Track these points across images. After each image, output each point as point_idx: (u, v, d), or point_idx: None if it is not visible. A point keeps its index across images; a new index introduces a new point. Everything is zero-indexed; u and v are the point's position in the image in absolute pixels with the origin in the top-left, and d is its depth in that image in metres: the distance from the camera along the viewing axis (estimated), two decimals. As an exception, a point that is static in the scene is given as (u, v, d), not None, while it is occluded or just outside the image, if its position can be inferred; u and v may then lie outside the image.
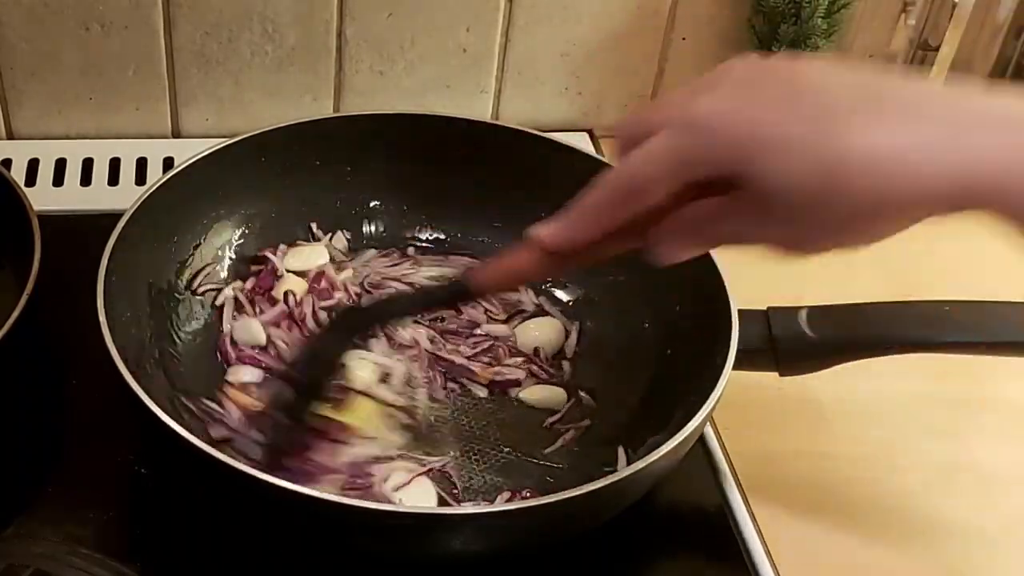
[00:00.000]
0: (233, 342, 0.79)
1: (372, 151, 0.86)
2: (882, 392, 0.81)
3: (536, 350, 0.80)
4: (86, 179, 0.96)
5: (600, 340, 0.82)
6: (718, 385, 0.66)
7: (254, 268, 0.83)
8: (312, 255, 0.84)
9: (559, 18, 0.99)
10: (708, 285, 0.72)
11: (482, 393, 0.77)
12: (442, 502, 0.70)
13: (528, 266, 0.56)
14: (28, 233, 0.73)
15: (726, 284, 0.71)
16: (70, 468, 0.72)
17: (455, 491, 0.71)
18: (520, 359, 0.79)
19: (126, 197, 0.77)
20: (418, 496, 0.69)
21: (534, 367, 0.79)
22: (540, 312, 0.83)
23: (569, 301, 0.84)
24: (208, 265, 0.82)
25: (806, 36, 0.95)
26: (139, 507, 0.70)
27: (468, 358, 0.79)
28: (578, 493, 0.60)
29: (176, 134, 1.01)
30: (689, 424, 0.63)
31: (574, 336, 0.82)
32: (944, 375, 0.81)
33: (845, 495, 0.75)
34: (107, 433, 0.73)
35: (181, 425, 0.61)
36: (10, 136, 0.99)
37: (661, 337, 0.78)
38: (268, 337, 0.79)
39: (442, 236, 0.88)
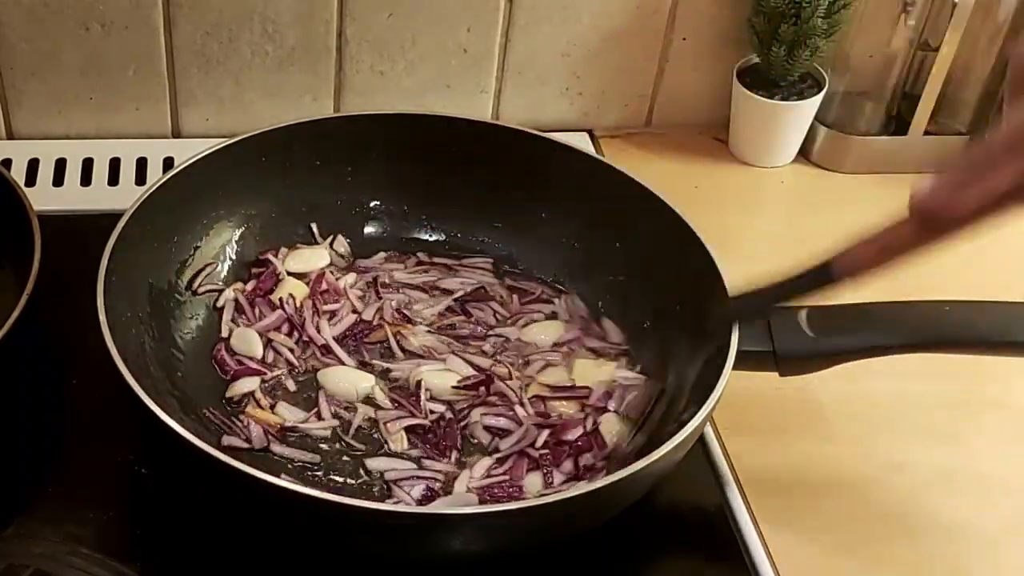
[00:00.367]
0: (230, 350, 0.78)
1: (372, 151, 0.86)
2: (882, 392, 0.81)
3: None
4: (86, 179, 0.96)
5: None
6: (718, 385, 0.66)
7: (255, 271, 0.83)
8: (313, 258, 0.84)
9: (559, 18, 0.99)
10: (708, 285, 0.72)
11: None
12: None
13: (903, 239, 0.51)
14: (28, 233, 0.73)
15: (726, 284, 0.71)
16: (70, 468, 0.72)
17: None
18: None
19: (126, 197, 0.77)
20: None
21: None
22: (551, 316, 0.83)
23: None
24: (208, 265, 0.82)
25: (806, 36, 0.95)
26: (139, 507, 0.70)
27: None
28: (578, 493, 0.60)
29: (176, 134, 1.01)
30: (689, 424, 0.63)
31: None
32: (944, 375, 0.81)
33: (845, 495, 0.75)
34: (107, 433, 0.73)
35: (182, 426, 0.61)
36: (10, 136, 0.99)
37: (661, 337, 0.78)
38: (269, 341, 0.79)
39: (442, 237, 0.88)
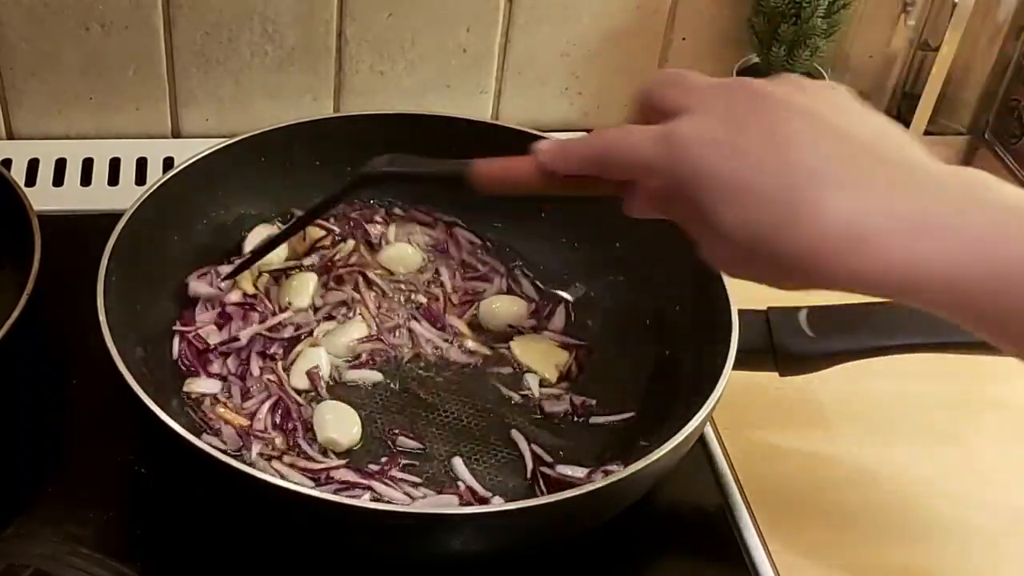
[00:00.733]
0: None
1: (372, 151, 0.85)
2: (882, 392, 0.81)
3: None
4: (86, 179, 0.96)
5: (601, 340, 0.82)
6: (718, 385, 0.66)
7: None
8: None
9: (559, 18, 0.99)
10: (708, 285, 0.72)
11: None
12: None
13: (525, 175, 0.57)
14: (28, 233, 0.73)
15: (726, 284, 0.71)
16: (70, 468, 0.72)
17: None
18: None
19: (126, 197, 0.77)
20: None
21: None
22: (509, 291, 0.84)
23: (571, 301, 0.84)
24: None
25: (806, 36, 0.95)
26: (139, 507, 0.70)
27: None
28: (578, 493, 0.60)
29: (176, 134, 1.01)
30: (689, 424, 0.63)
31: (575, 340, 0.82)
32: (944, 375, 0.80)
33: (845, 495, 0.75)
34: (107, 433, 0.73)
35: (181, 425, 0.61)
36: (10, 136, 1.00)
37: (661, 337, 0.78)
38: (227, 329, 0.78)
39: (443, 237, 0.88)
